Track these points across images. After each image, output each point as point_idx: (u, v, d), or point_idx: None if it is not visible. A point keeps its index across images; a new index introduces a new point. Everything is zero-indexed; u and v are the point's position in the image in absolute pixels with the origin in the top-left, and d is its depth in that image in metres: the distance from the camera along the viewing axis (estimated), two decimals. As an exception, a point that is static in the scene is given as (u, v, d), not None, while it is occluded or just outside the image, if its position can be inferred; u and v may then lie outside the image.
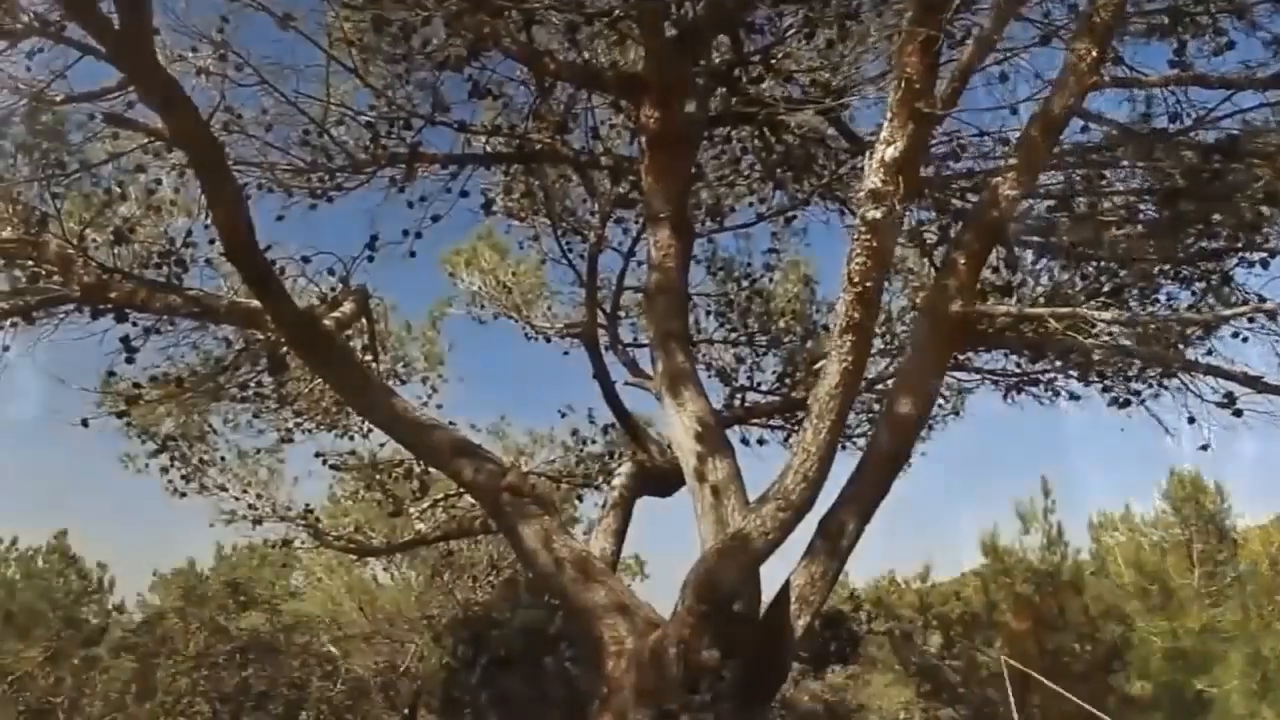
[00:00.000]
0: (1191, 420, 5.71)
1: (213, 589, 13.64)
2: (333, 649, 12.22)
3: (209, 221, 6.25)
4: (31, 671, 10.94)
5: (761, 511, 4.52)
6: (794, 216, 7.64)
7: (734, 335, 9.06)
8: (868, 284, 4.23)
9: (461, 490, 9.45)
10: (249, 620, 12.63)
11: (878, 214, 4.05)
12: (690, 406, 5.19)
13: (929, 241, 7.02)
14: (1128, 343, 5.41)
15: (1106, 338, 5.48)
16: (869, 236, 4.15)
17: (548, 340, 9.13)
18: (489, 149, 6.78)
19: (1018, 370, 8.07)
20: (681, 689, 4.53)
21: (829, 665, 12.49)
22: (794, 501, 4.50)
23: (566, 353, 8.93)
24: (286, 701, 11.07)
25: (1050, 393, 7.98)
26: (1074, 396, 7.95)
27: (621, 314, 8.32)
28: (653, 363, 5.55)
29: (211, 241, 6.41)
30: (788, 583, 4.89)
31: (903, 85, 3.83)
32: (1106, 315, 5.02)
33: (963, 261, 4.82)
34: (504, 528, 5.30)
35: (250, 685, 10.83)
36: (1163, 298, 6.77)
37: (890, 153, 3.96)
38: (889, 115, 3.96)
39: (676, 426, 5.21)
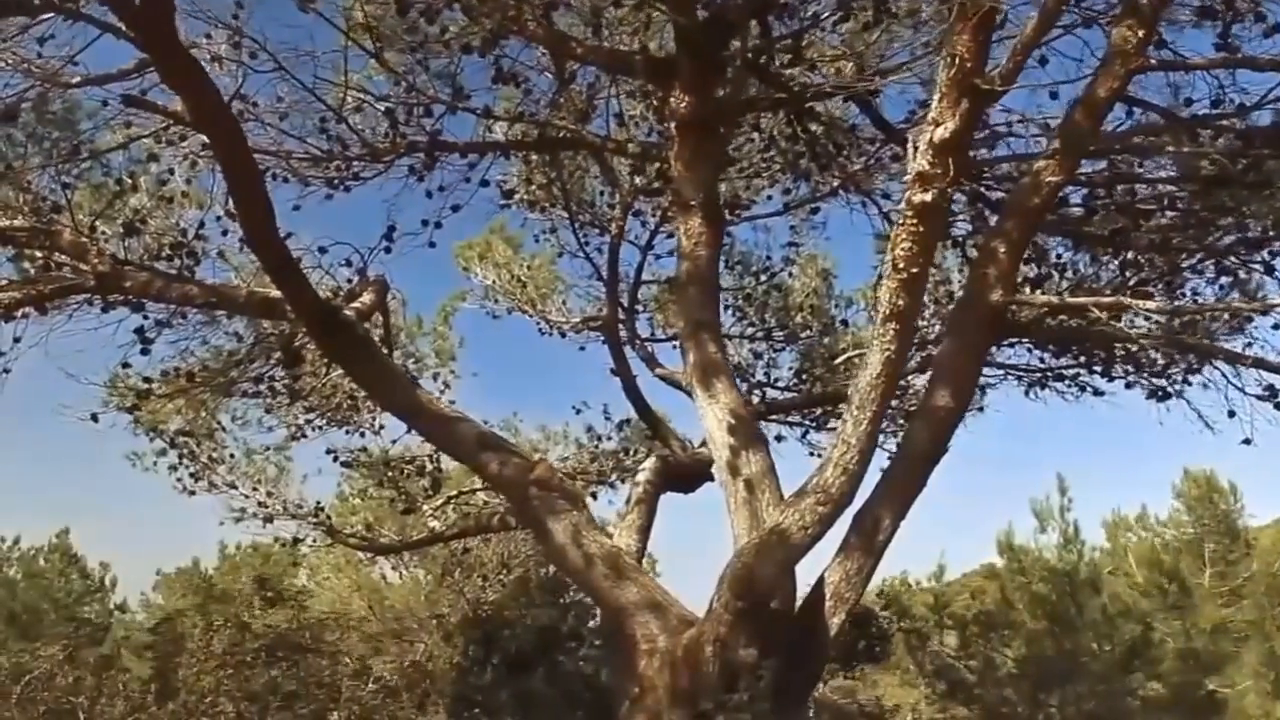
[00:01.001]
0: (1231, 414, 5.60)
1: (237, 585, 13.48)
2: (341, 650, 12.05)
3: (221, 213, 6.13)
4: (51, 670, 10.75)
5: (800, 506, 4.37)
6: (818, 208, 7.52)
7: (751, 330, 8.93)
8: (913, 270, 4.10)
9: (475, 488, 9.36)
10: (273, 618, 12.44)
11: (926, 197, 3.92)
12: (723, 399, 5.05)
13: (956, 232, 6.89)
14: (1175, 333, 5.25)
15: (1149, 328, 5.34)
16: (915, 221, 4.02)
17: (562, 335, 9.00)
18: (509, 137, 6.63)
19: (1042, 365, 7.95)
20: (718, 688, 4.40)
21: (856, 664, 12.32)
22: (833, 495, 4.35)
23: (583, 348, 8.84)
24: (315, 701, 10.87)
25: (1076, 388, 7.86)
26: (1098, 392, 7.84)
27: (639, 308, 8.21)
28: (682, 354, 5.40)
29: (224, 233, 6.28)
30: (822, 579, 4.75)
31: (955, 63, 3.69)
32: (1151, 305, 4.89)
33: (1003, 250, 4.69)
34: (531, 523, 5.15)
35: (279, 685, 10.63)
36: (1188, 291, 6.66)
37: (940, 134, 3.82)
38: (939, 95, 3.82)
39: (708, 419, 5.07)
